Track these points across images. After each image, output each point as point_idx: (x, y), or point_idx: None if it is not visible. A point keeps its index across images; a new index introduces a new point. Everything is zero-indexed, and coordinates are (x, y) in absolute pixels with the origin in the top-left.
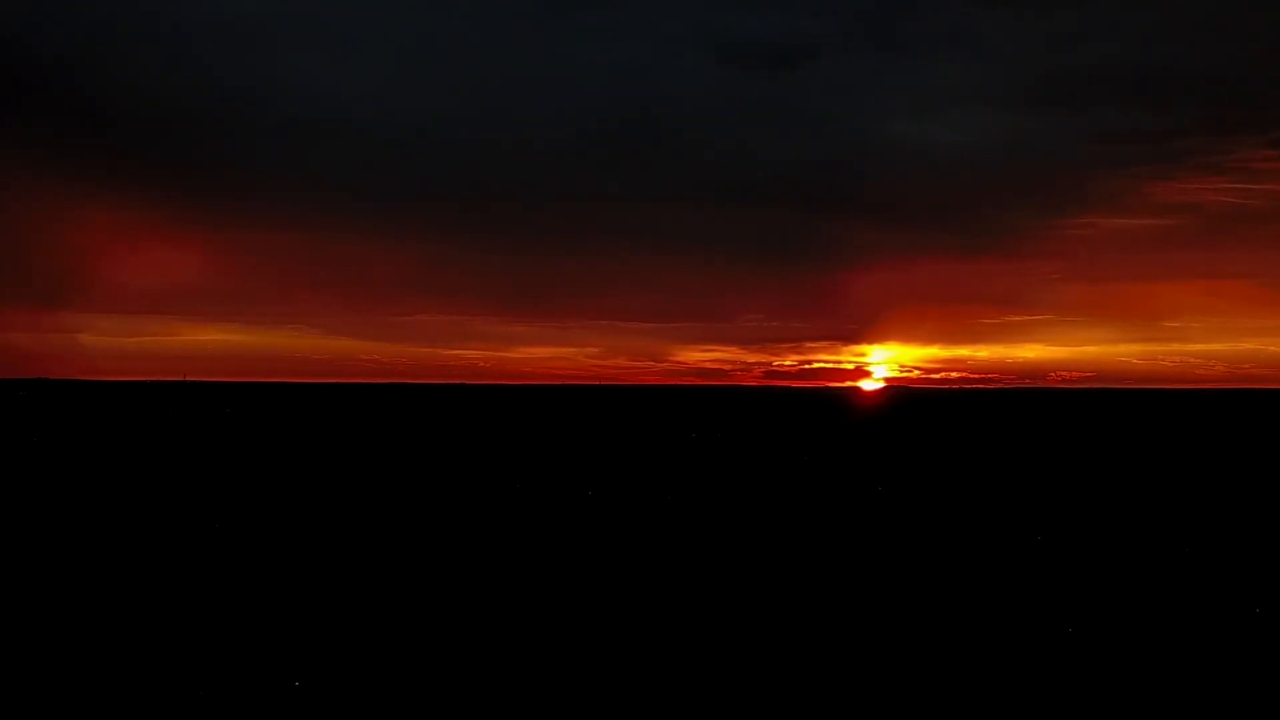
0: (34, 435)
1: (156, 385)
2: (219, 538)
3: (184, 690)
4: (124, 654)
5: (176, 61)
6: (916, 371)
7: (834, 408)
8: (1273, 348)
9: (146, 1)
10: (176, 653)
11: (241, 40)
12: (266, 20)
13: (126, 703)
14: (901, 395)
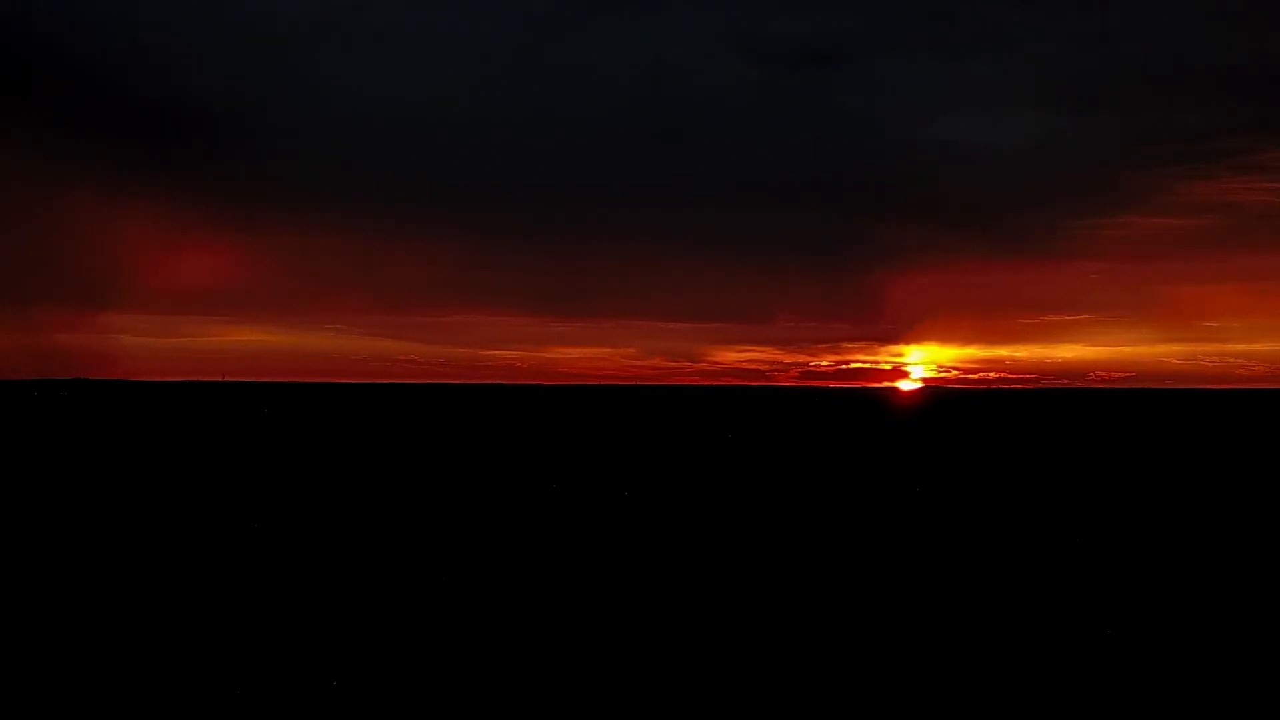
0: (73, 435)
1: (195, 385)
2: (258, 537)
3: (211, 684)
4: (155, 649)
5: (215, 63)
6: (954, 372)
7: (871, 408)
8: None
9: (187, 4)
10: (208, 648)
11: (280, 41)
12: (306, 21)
13: (149, 697)
14: (939, 396)
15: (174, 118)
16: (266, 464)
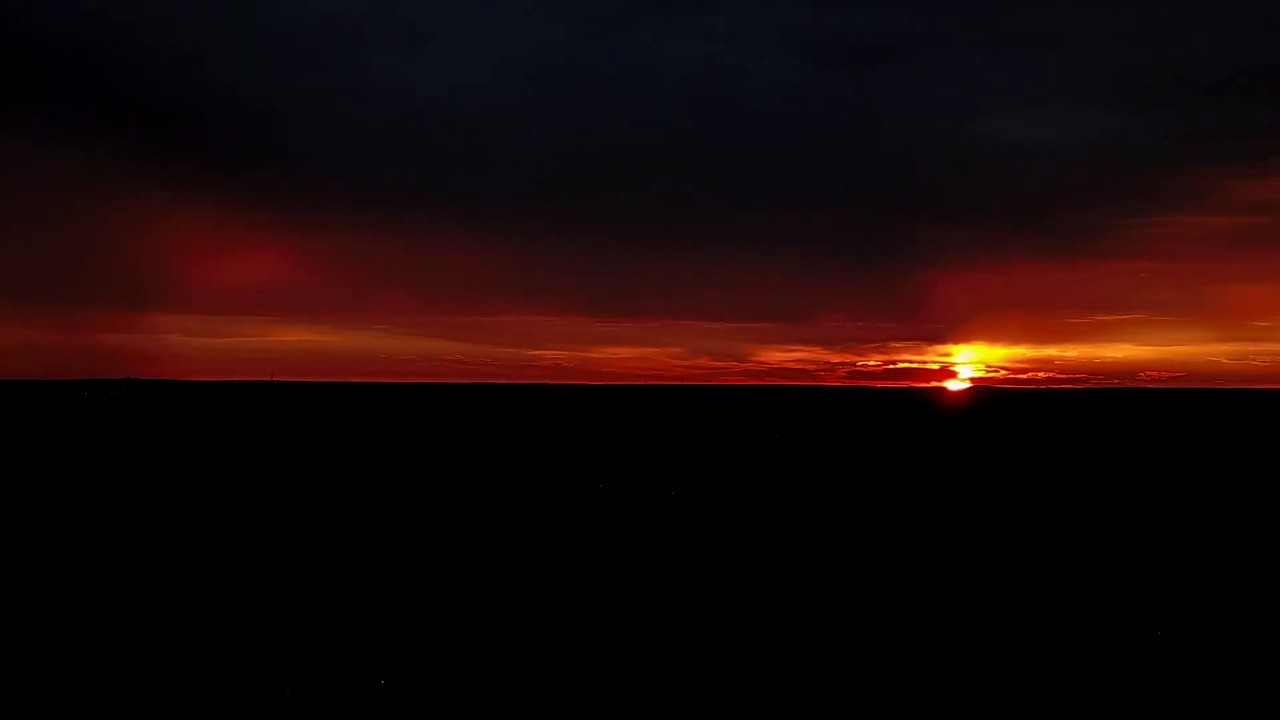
0: (123, 435)
1: (243, 385)
2: (306, 536)
3: (245, 678)
4: (193, 644)
5: (265, 64)
6: (1003, 372)
7: (919, 408)
8: None
9: (239, 4)
10: (242, 645)
11: (329, 43)
12: (354, 22)
13: (176, 691)
14: (988, 396)
15: (222, 118)
16: (312, 463)
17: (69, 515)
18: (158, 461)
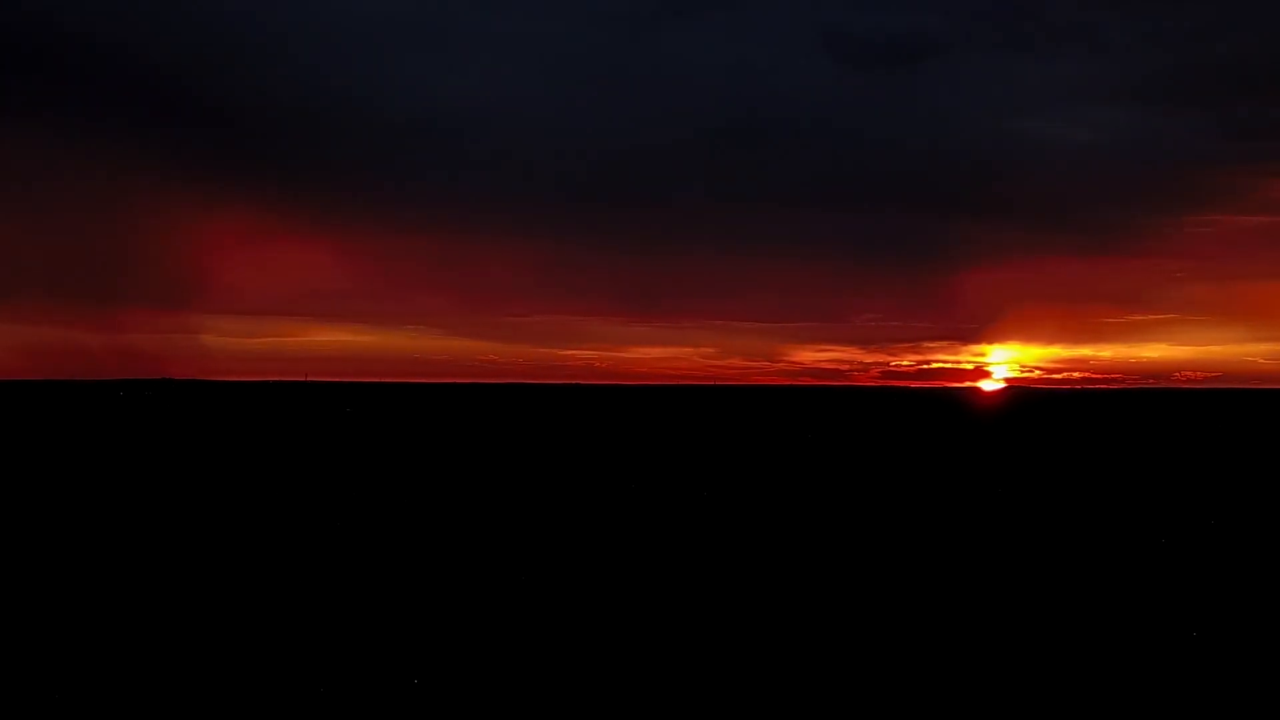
0: (158, 436)
1: (278, 385)
2: (341, 535)
3: (276, 674)
4: (213, 639)
5: (300, 65)
6: (1038, 372)
7: (952, 408)
8: None
9: (271, 6)
10: (273, 641)
11: (364, 43)
12: (387, 23)
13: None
14: (1022, 396)
15: (258, 119)
16: (347, 463)
17: (96, 515)
18: (187, 461)
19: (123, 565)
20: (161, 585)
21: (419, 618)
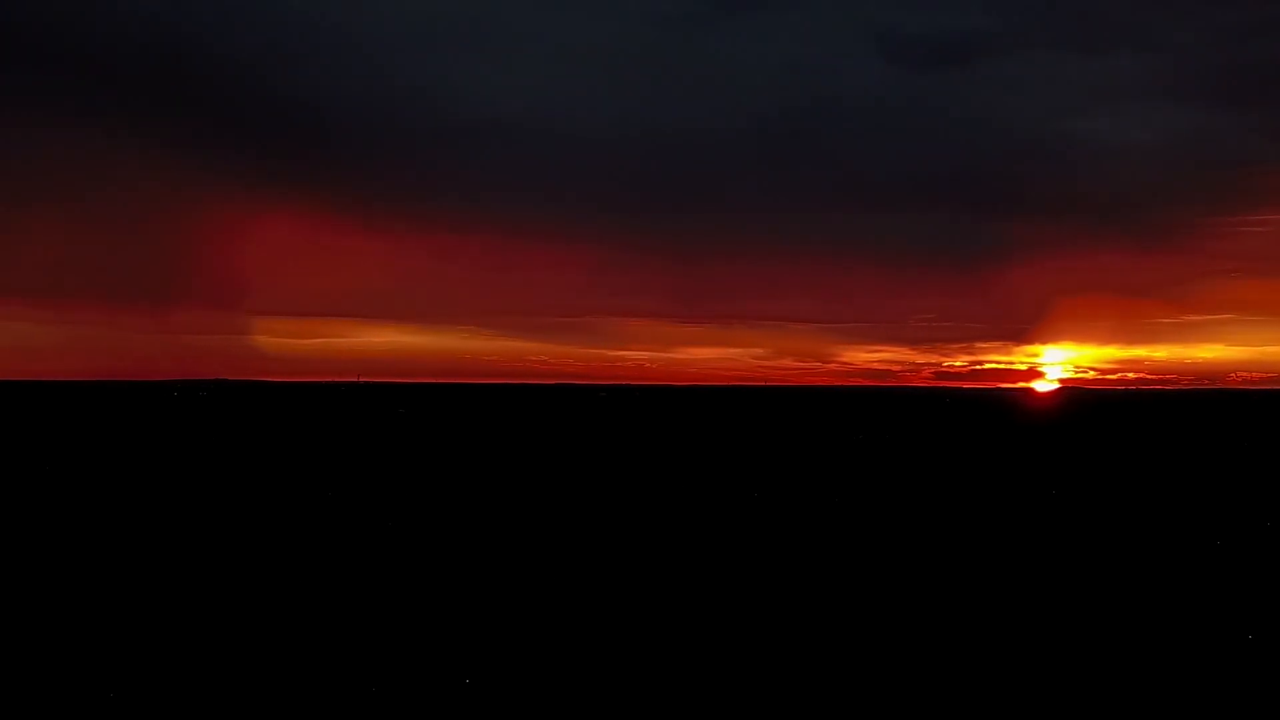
0: (212, 435)
1: (330, 386)
2: (391, 535)
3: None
4: (267, 633)
5: (353, 65)
6: (1092, 373)
7: (1005, 409)
8: None
9: (328, 9)
10: (318, 635)
11: (417, 44)
12: (442, 24)
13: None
14: (1077, 396)
15: (312, 122)
16: (400, 463)
17: (148, 513)
18: (239, 461)
19: (169, 563)
20: (209, 582)
21: (466, 616)
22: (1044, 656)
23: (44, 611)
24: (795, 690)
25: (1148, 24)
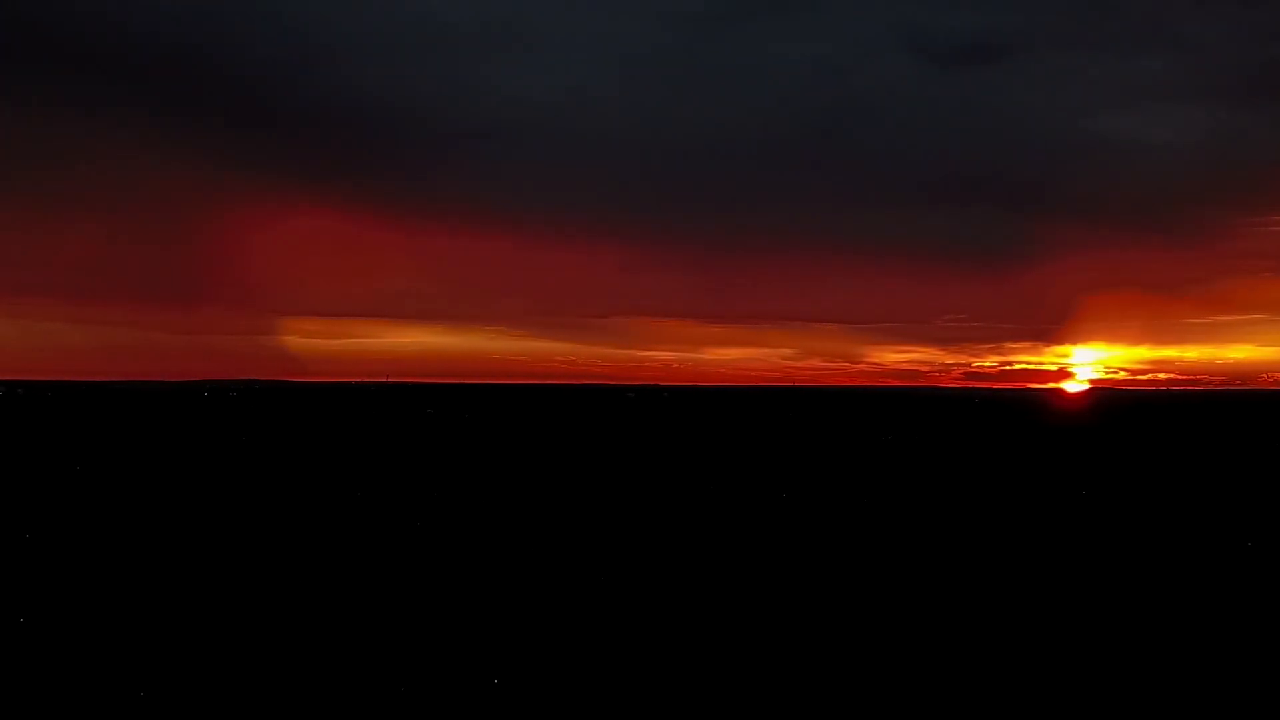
0: (243, 435)
1: (359, 387)
2: (419, 535)
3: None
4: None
5: (381, 68)
6: (1122, 373)
7: (1036, 410)
8: None
9: (347, 9)
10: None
11: (444, 45)
12: (469, 24)
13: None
14: (1107, 397)
15: (339, 122)
16: (428, 464)
17: (179, 510)
18: (268, 460)
19: (201, 562)
20: (241, 580)
21: (495, 616)
22: (1069, 656)
23: (78, 609)
24: (821, 687)
25: (1177, 23)
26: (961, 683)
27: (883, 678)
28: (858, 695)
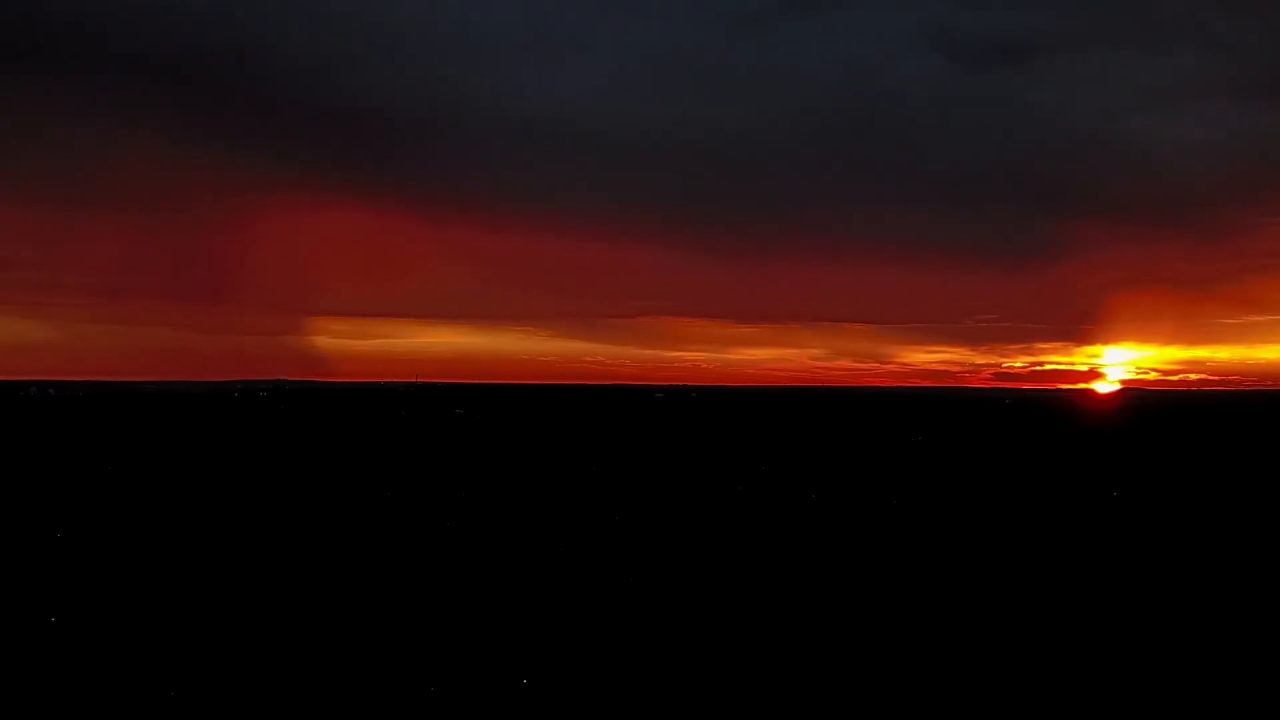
0: (275, 436)
1: (390, 387)
2: (449, 534)
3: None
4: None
5: (413, 69)
6: (1153, 373)
7: (1066, 411)
8: None
9: (383, 9)
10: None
11: (475, 46)
12: (500, 25)
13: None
14: (1138, 398)
15: (369, 123)
16: (458, 464)
17: (211, 509)
18: (300, 460)
19: (235, 559)
20: (274, 578)
21: (524, 615)
22: (1096, 655)
23: (111, 608)
24: (850, 683)
25: (1207, 21)
26: (990, 680)
27: (911, 675)
28: (888, 691)
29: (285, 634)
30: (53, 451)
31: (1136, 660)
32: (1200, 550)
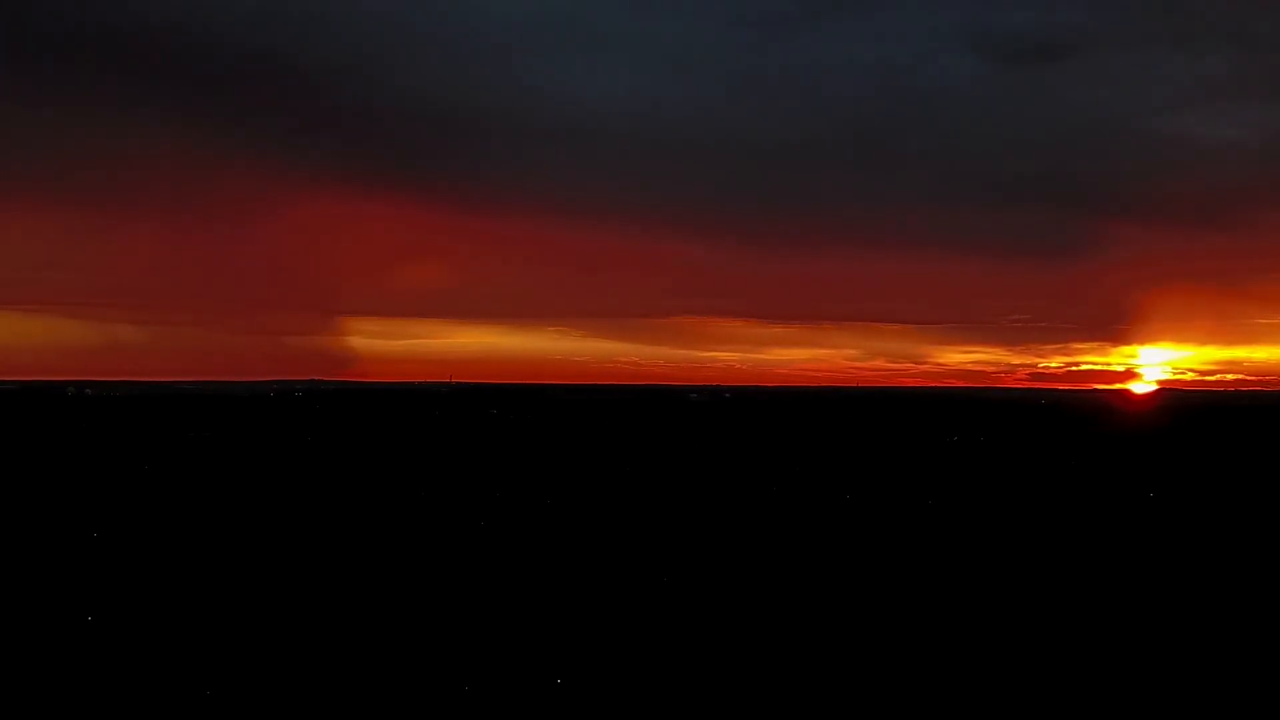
0: (308, 435)
1: (424, 387)
2: (483, 534)
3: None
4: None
5: (444, 69)
6: (1190, 373)
7: (1103, 411)
8: None
9: (413, 10)
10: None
11: (506, 46)
12: (531, 26)
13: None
14: (1176, 398)
15: (401, 123)
16: (493, 463)
17: (249, 507)
18: (337, 460)
19: (276, 558)
20: (313, 577)
21: (562, 615)
22: (1129, 653)
23: (146, 604)
24: (887, 678)
25: (1242, 22)
26: (1023, 675)
27: (944, 670)
28: (923, 685)
29: (323, 631)
30: (90, 452)
31: (1165, 658)
32: (1235, 553)
